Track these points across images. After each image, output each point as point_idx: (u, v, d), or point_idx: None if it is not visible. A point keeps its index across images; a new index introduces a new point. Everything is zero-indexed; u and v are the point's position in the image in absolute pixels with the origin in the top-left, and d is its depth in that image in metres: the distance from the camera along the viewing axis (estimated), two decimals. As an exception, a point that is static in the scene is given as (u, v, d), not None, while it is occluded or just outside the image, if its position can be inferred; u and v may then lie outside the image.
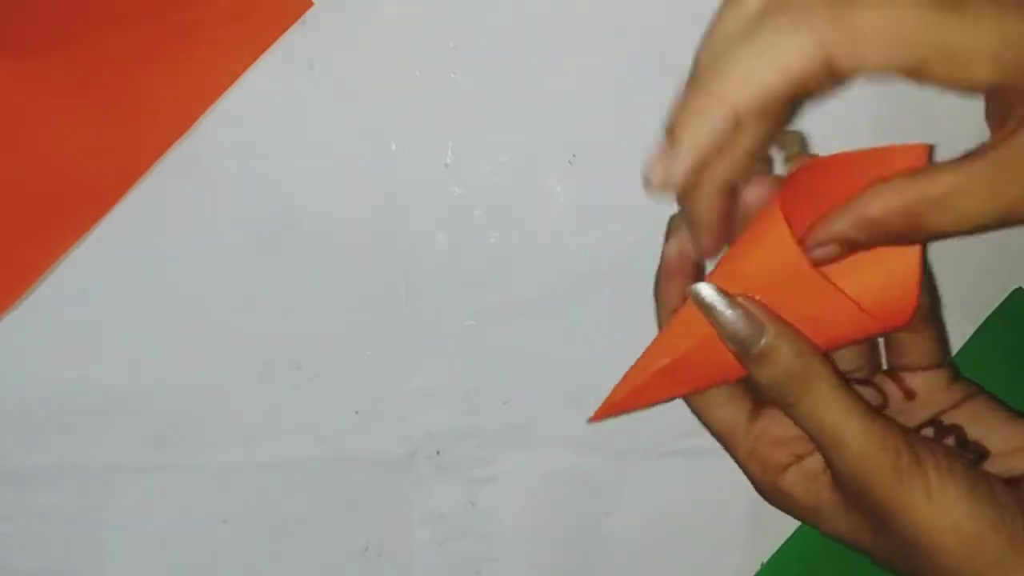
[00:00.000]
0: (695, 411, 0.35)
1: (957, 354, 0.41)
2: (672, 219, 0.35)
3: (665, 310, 0.35)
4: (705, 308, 0.31)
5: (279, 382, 0.41)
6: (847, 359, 0.36)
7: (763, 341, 0.30)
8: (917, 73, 0.27)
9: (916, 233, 0.29)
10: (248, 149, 0.39)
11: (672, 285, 0.34)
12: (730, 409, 0.34)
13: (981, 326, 0.41)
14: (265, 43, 0.38)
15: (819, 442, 0.31)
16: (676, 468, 0.42)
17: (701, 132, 0.28)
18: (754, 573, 0.42)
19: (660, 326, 0.35)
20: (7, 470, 0.41)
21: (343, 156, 0.39)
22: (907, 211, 0.29)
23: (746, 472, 0.35)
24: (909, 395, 0.35)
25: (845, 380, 0.31)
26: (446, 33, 0.38)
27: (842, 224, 0.30)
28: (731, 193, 0.32)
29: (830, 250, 0.30)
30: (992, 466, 0.33)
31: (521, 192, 0.39)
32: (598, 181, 0.39)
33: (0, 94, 0.37)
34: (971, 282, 0.41)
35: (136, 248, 0.39)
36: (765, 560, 0.42)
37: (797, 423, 0.31)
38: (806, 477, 0.34)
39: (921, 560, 0.31)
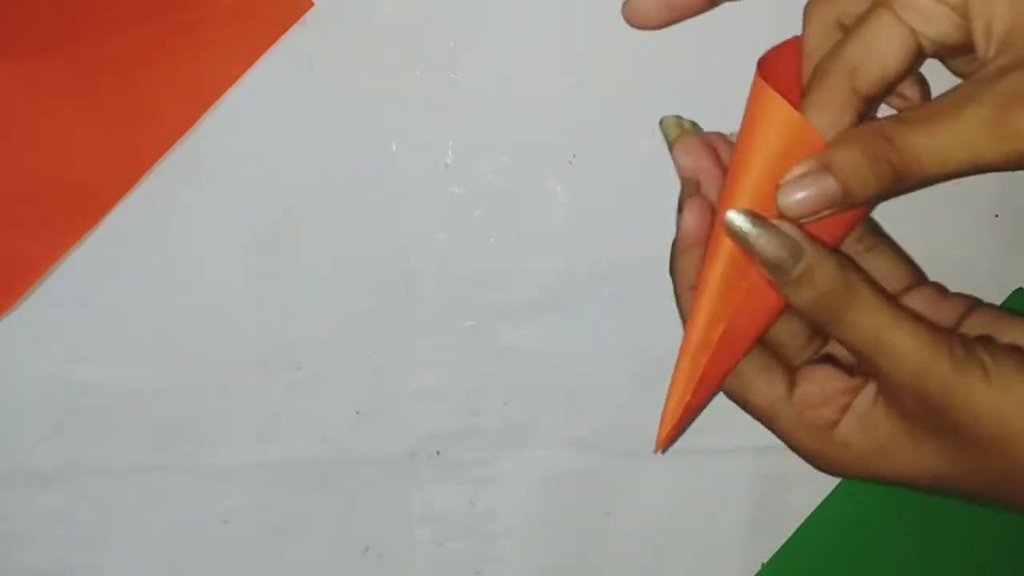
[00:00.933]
0: (732, 396, 0.34)
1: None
2: (683, 191, 0.34)
3: (683, 285, 0.34)
4: (739, 237, 0.29)
5: (279, 382, 0.41)
6: None
7: (801, 264, 0.29)
8: None
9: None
10: (248, 149, 0.39)
11: (689, 258, 0.33)
12: (767, 383, 0.33)
13: (981, 326, 0.41)
14: (265, 43, 0.38)
15: (870, 355, 0.30)
16: (676, 468, 0.42)
17: None
18: (754, 573, 0.42)
19: (679, 302, 0.34)
20: (7, 470, 0.41)
21: (343, 156, 0.39)
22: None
23: (796, 444, 0.33)
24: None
25: (883, 290, 0.31)
26: (446, 33, 0.38)
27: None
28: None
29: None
30: None
31: (521, 192, 0.39)
32: (598, 181, 0.39)
33: (0, 94, 0.37)
34: (971, 282, 0.41)
35: (136, 248, 0.39)
36: (765, 560, 0.42)
37: (845, 341, 0.30)
38: (859, 420, 0.32)
39: (1001, 462, 0.30)
